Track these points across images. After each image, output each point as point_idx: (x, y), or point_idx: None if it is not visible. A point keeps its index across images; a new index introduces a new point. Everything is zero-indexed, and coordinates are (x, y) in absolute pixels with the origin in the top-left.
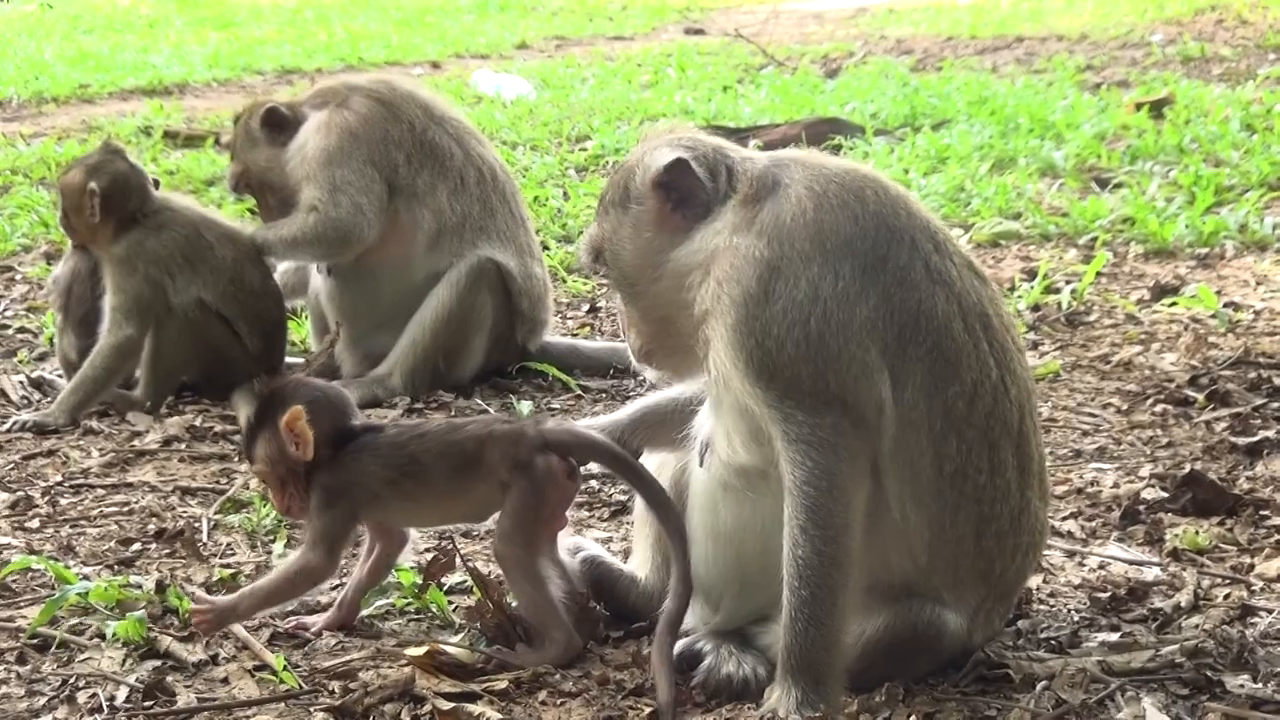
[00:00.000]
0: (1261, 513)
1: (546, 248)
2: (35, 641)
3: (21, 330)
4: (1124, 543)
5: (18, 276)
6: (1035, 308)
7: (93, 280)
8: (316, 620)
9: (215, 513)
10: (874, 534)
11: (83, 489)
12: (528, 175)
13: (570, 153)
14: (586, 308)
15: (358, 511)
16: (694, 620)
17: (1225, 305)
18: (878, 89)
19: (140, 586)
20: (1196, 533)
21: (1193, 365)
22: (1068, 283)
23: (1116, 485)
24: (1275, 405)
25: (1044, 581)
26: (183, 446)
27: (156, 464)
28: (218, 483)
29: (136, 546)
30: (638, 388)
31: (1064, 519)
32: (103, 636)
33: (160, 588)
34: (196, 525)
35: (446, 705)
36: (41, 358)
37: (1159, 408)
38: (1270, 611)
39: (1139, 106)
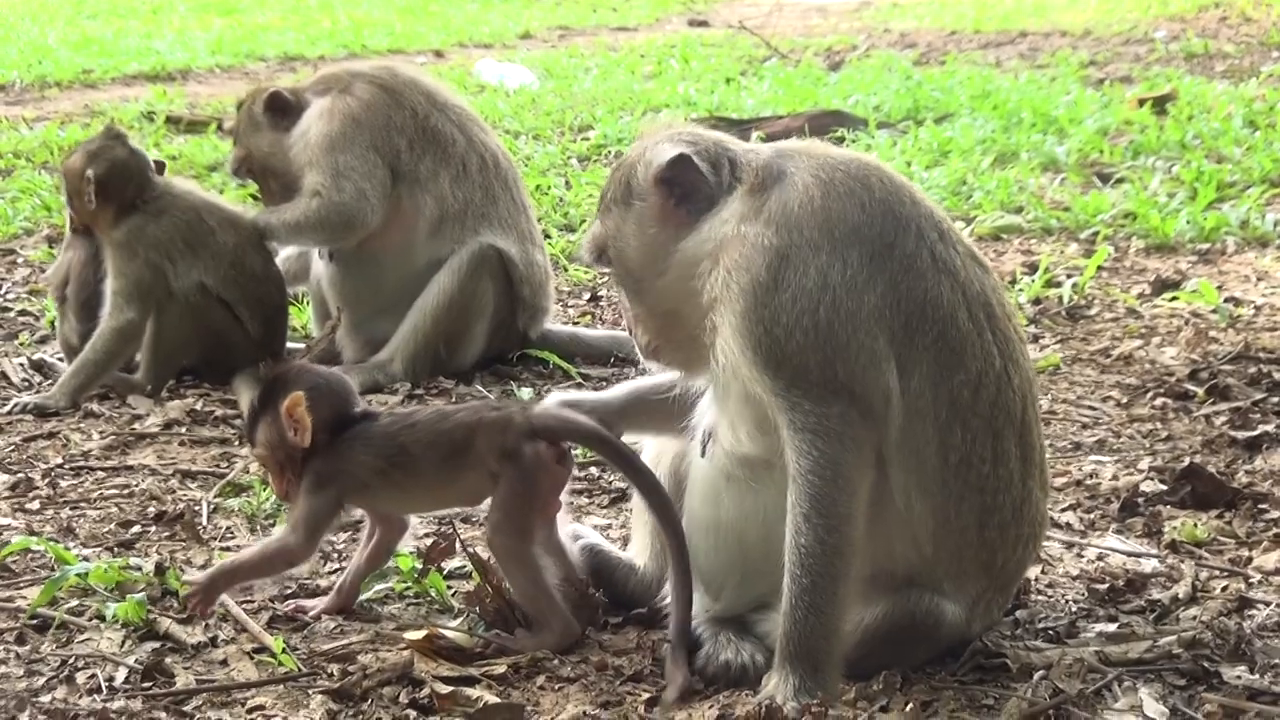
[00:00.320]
0: (1260, 506)
1: (548, 236)
2: (35, 622)
3: (23, 313)
4: (1122, 535)
5: (20, 260)
6: (1036, 301)
7: (95, 265)
8: (315, 604)
9: (215, 496)
10: (879, 523)
11: (83, 471)
12: (530, 164)
13: (573, 142)
14: (588, 296)
15: (344, 499)
16: (694, 608)
17: (1226, 300)
18: (881, 82)
19: (140, 568)
20: (1195, 525)
21: (1193, 360)
22: (1069, 277)
23: (1116, 478)
24: (1275, 400)
25: (1042, 572)
26: (183, 430)
27: (157, 447)
28: (218, 466)
29: (136, 529)
30: (638, 376)
31: (1063, 511)
32: (102, 618)
33: (160, 570)
34: (196, 508)
35: (445, 689)
36: (43, 340)
37: (1159, 401)
38: (1268, 604)
39: (1142, 102)
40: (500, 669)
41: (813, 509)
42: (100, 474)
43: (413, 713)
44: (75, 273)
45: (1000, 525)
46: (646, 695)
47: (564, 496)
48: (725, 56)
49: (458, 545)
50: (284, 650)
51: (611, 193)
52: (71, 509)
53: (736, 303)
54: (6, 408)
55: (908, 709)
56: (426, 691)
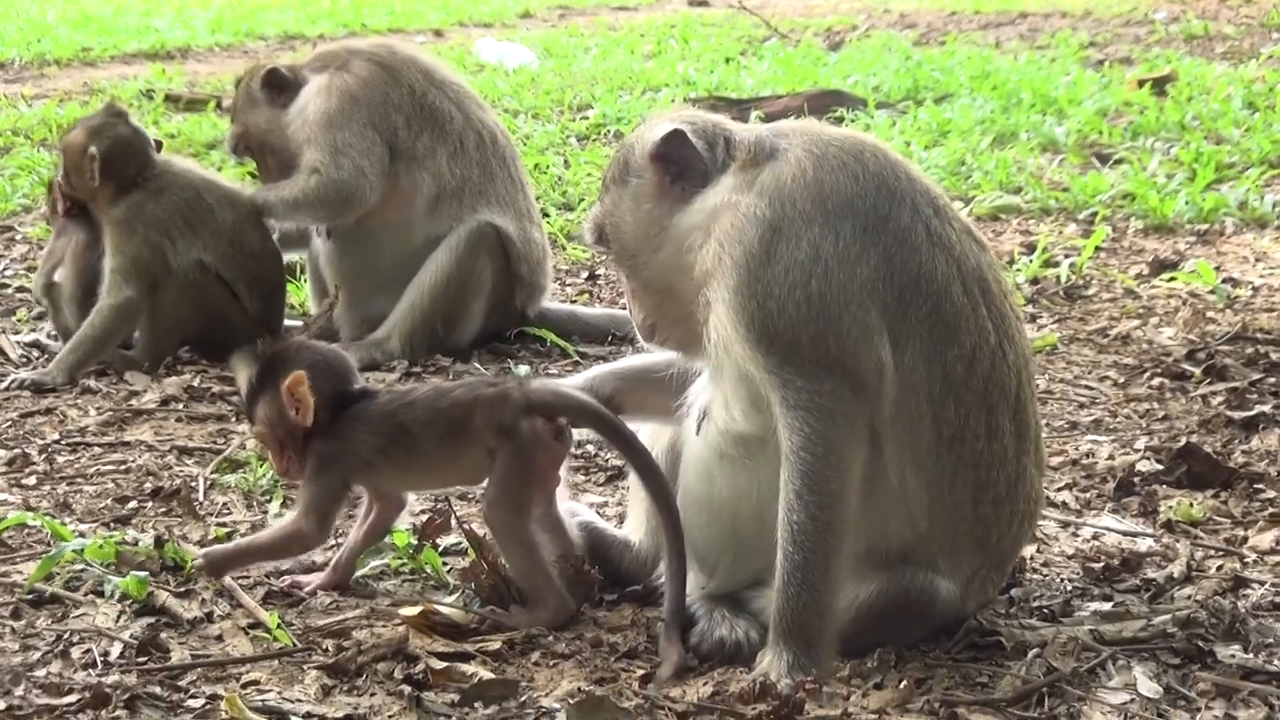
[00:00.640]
0: (1256, 486)
1: (546, 215)
2: (30, 597)
3: (21, 290)
4: (1118, 514)
5: (18, 237)
6: (1034, 281)
7: (94, 248)
8: (311, 580)
9: (212, 472)
10: (873, 500)
11: (80, 447)
12: (529, 143)
13: (572, 121)
14: (586, 274)
15: (350, 480)
16: (688, 585)
17: (1224, 281)
18: (880, 62)
19: (137, 543)
20: (1191, 505)
21: (1190, 340)
22: (1067, 257)
23: (1112, 457)
24: (1272, 380)
25: (1038, 551)
26: (180, 406)
27: (154, 423)
28: (214, 443)
29: (133, 505)
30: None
31: (1059, 490)
32: (99, 593)
33: (159, 543)
34: (193, 484)
35: (440, 665)
36: (40, 317)
37: (1156, 381)
38: (1262, 583)
39: (1141, 83)
40: (495, 645)
41: (805, 486)
42: (97, 450)
43: (407, 688)
44: (75, 257)
45: (994, 501)
46: (641, 672)
47: (562, 473)
48: (725, 36)
49: (453, 521)
50: (279, 626)
51: (610, 172)
52: (68, 485)
53: (729, 276)
54: (4, 384)
55: (902, 686)
56: (421, 667)
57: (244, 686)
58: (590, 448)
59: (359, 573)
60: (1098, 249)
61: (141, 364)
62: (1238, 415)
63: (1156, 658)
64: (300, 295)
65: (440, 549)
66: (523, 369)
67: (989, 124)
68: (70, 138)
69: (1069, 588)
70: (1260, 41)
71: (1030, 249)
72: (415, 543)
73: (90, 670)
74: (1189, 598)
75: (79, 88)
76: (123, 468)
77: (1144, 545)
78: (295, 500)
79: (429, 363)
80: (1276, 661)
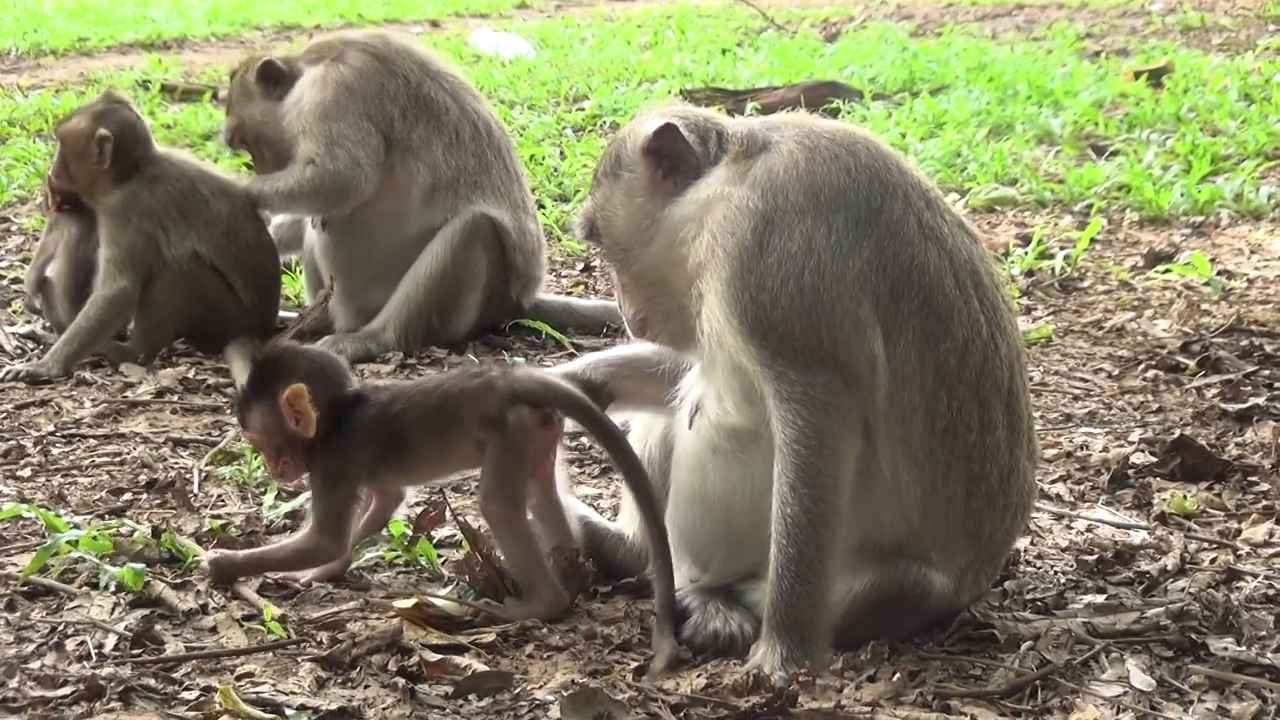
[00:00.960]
0: (1249, 479)
1: (542, 206)
2: (25, 589)
3: (16, 281)
4: (1112, 506)
5: (13, 228)
6: (1029, 273)
7: (88, 242)
8: (306, 572)
9: (206, 464)
10: (865, 493)
11: (75, 439)
12: (525, 134)
13: (568, 112)
14: (581, 266)
15: (358, 489)
16: (682, 579)
17: (1219, 273)
18: (877, 54)
19: (133, 534)
20: (1184, 497)
21: (1185, 332)
22: (1062, 249)
23: (1106, 449)
24: (1266, 373)
25: (1031, 544)
26: (175, 398)
27: (149, 415)
28: (209, 435)
29: (128, 496)
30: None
31: (1053, 482)
32: (93, 585)
33: (156, 533)
34: (188, 476)
35: (434, 657)
36: (35, 311)
37: (1150, 373)
38: (1255, 576)
39: (1137, 75)
40: (489, 637)
41: (799, 479)
42: (92, 441)
43: (401, 680)
44: (67, 251)
45: (988, 494)
46: (635, 664)
47: (558, 460)
48: (721, 27)
49: (448, 514)
50: (274, 618)
51: (602, 166)
52: (63, 476)
53: (722, 269)
54: None
55: (895, 679)
56: (415, 659)
57: (238, 679)
58: (584, 440)
59: (354, 564)
60: (1093, 241)
61: (136, 356)
62: (1232, 408)
63: (1150, 650)
64: (295, 287)
65: (435, 541)
66: (518, 361)
67: (985, 115)
68: (70, 125)
69: (1062, 580)
70: (1257, 33)
71: (1025, 241)
72: (410, 535)
73: (85, 662)
74: (1182, 590)
75: (75, 78)
76: (117, 459)
77: (1137, 538)
78: (289, 492)
79: (424, 354)
80: (1269, 654)
